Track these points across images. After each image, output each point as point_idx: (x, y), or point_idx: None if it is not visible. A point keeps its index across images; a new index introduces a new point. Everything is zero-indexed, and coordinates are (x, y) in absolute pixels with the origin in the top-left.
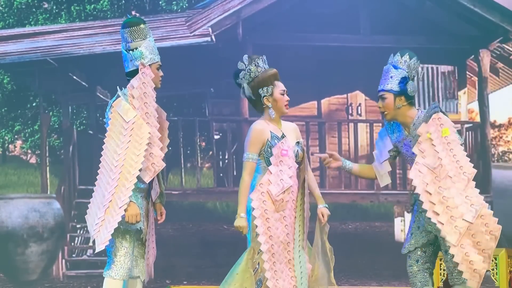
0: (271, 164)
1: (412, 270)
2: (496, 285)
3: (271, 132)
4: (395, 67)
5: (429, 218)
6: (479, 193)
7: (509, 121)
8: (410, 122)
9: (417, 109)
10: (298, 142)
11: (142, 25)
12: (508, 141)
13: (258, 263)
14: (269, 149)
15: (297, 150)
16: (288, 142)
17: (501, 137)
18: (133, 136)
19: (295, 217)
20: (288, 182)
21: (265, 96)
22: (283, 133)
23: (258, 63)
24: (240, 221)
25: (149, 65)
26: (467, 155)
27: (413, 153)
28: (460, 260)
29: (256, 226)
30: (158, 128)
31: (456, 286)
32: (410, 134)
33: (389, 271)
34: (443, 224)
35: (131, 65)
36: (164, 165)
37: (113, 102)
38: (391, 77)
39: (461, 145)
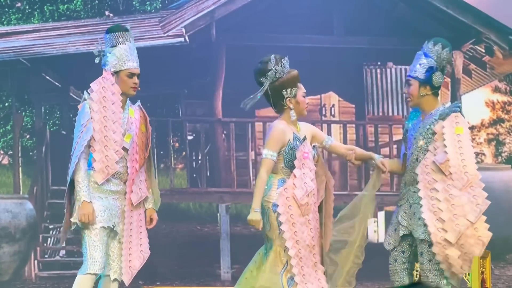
0: (290, 165)
1: (391, 269)
2: (469, 285)
3: (293, 133)
4: (426, 55)
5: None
6: None
7: (481, 122)
8: (428, 112)
9: (442, 104)
10: (313, 146)
11: (118, 32)
12: (481, 143)
13: (287, 261)
14: (290, 151)
15: (314, 154)
16: (308, 145)
17: (473, 139)
18: (80, 138)
19: (317, 220)
20: (310, 185)
21: (288, 97)
22: (305, 136)
23: (283, 64)
24: (254, 215)
25: (117, 71)
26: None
27: (414, 138)
28: (441, 259)
29: (283, 231)
30: (116, 132)
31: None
32: (423, 121)
33: (361, 272)
34: (444, 221)
35: (103, 66)
36: (117, 168)
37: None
38: (420, 64)
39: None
